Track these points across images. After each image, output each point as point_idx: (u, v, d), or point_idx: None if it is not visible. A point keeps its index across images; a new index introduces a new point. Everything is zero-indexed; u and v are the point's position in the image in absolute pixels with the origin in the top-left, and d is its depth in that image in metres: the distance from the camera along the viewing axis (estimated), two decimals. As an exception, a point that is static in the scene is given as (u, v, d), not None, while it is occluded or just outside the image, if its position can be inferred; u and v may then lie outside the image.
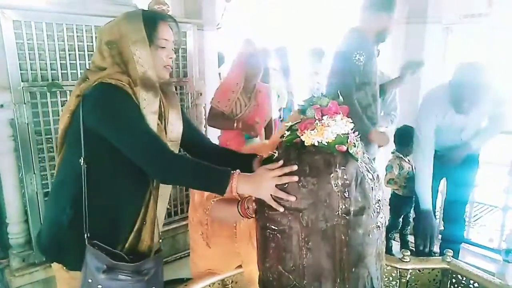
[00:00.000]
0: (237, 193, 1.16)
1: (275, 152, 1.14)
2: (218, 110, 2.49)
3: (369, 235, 1.03)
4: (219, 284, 1.66)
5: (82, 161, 1.16)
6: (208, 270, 1.68)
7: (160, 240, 1.37)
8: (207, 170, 1.14)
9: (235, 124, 2.44)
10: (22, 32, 1.94)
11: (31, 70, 2.00)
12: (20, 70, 1.97)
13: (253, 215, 1.25)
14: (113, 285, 1.15)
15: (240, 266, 1.67)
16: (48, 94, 2.06)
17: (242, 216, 1.32)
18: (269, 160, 1.15)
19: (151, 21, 1.21)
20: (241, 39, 4.39)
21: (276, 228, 1.06)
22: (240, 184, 1.08)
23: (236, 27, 4.33)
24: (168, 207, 2.73)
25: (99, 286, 1.14)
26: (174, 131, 1.32)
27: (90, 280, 1.14)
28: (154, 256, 1.31)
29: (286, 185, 1.03)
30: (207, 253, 1.73)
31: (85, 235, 1.16)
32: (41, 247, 1.31)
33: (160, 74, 1.24)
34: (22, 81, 1.98)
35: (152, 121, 1.19)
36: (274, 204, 1.04)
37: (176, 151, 1.30)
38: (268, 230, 1.07)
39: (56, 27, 2.03)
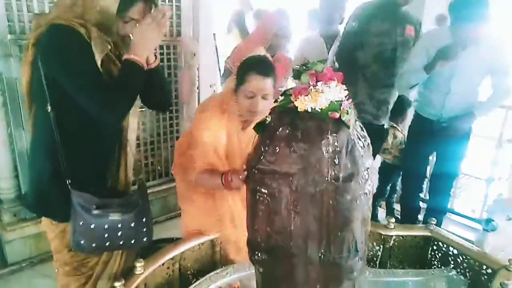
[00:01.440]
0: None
1: (268, 117, 1.13)
2: (232, 71, 2.38)
3: (356, 201, 1.05)
4: (208, 244, 1.71)
5: (49, 108, 1.17)
6: (198, 230, 1.72)
7: (141, 176, 1.46)
8: (123, 78, 1.20)
9: None
10: (7, -20, 1.84)
11: (19, 22, 1.92)
12: (8, 22, 1.89)
13: (236, 187, 1.31)
14: (105, 222, 1.19)
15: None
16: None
17: (225, 188, 1.39)
18: (261, 124, 1.15)
19: None
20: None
21: (266, 191, 1.07)
22: (137, 50, 1.18)
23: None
24: (159, 168, 2.74)
25: (92, 226, 1.18)
26: None
27: (81, 223, 1.17)
28: (139, 190, 1.39)
29: (278, 149, 1.04)
30: (195, 212, 1.77)
31: (67, 181, 1.18)
32: (28, 204, 1.33)
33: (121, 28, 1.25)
34: (9, 34, 1.91)
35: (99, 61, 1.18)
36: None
37: None
38: (258, 193, 1.09)
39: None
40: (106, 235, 1.22)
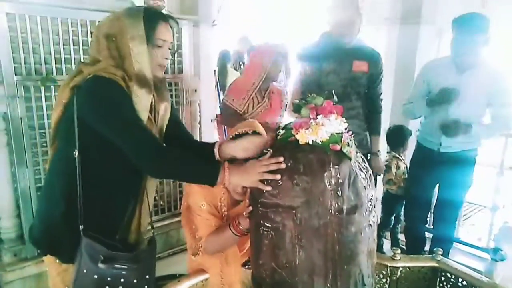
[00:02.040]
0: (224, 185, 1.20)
1: (268, 150, 1.15)
2: (232, 108, 2.39)
3: (361, 233, 1.05)
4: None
5: (76, 153, 1.17)
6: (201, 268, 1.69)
7: (153, 230, 1.41)
8: (197, 163, 1.19)
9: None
10: (16, 25, 1.92)
11: (24, 63, 1.98)
12: (14, 63, 1.95)
13: (247, 231, 1.26)
14: (108, 273, 1.17)
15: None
16: (42, 88, 2.04)
17: (237, 235, 1.30)
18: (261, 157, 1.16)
19: (152, 20, 1.22)
20: (236, 36, 4.38)
21: (269, 225, 1.07)
22: (232, 175, 1.14)
23: (232, 24, 4.32)
24: (161, 203, 2.73)
25: (95, 276, 1.15)
26: (160, 123, 1.36)
27: (85, 271, 1.15)
28: (149, 246, 1.35)
29: (280, 183, 1.05)
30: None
31: (80, 226, 1.17)
32: (34, 239, 1.31)
33: (154, 72, 1.25)
34: (15, 75, 1.97)
35: (144, 117, 1.21)
36: (261, 185, 1.09)
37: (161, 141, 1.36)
38: (262, 227, 1.09)
39: (50, 21, 2.02)
40: (106, 287, 1.19)
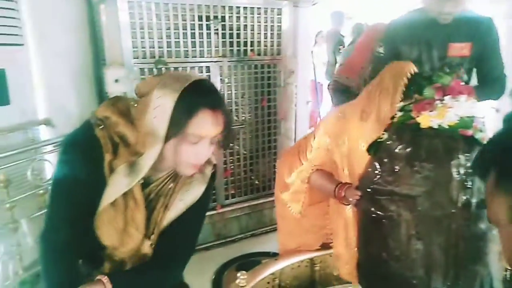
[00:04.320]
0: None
1: (383, 134, 1.07)
2: (343, 86, 2.28)
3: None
4: (307, 262, 1.67)
5: None
6: (296, 248, 1.69)
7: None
8: None
9: None
10: (134, 12, 2.09)
11: (141, 47, 2.16)
12: (132, 47, 2.14)
13: (347, 203, 1.19)
14: None
15: (325, 245, 1.65)
16: (155, 70, 2.21)
17: (336, 198, 1.26)
18: (376, 143, 1.09)
19: (187, 106, 0.81)
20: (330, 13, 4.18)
21: (382, 213, 1.00)
22: None
23: (333, 3, 4.13)
24: (257, 182, 2.80)
25: None
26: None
27: None
28: None
29: (397, 169, 0.97)
30: (294, 230, 1.74)
31: None
32: None
33: (180, 168, 0.89)
34: (133, 58, 2.15)
35: (109, 199, 0.87)
36: None
37: None
38: (373, 215, 1.03)
39: (163, 6, 2.15)
40: None
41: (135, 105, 0.88)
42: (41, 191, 1.86)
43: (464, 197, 0.91)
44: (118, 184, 0.85)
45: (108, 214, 0.88)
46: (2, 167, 1.69)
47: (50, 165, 1.87)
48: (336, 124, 1.32)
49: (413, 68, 1.11)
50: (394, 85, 1.14)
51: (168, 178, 0.96)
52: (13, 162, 1.75)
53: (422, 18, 1.69)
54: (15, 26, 1.90)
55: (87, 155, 0.86)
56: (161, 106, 0.82)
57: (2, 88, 1.88)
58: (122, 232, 0.90)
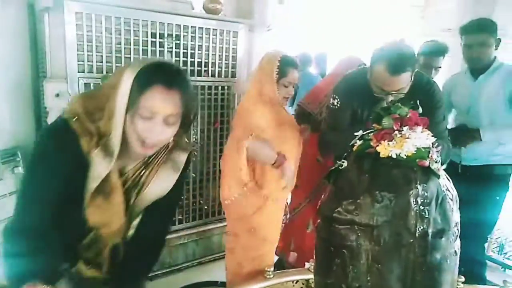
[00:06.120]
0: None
1: (343, 162, 1.07)
2: (306, 111, 2.37)
3: (446, 261, 0.94)
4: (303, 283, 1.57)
5: None
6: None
7: None
8: None
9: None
10: (82, 24, 1.96)
11: (87, 61, 2.03)
12: (78, 61, 2.00)
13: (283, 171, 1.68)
14: None
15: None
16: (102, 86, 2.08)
17: (274, 164, 1.65)
18: (335, 171, 1.08)
19: (142, 81, 0.90)
20: (291, 41, 4.29)
21: (342, 243, 0.98)
22: None
23: (287, 29, 4.26)
24: (206, 207, 2.70)
25: None
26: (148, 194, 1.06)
27: None
28: None
29: (358, 198, 0.96)
30: (249, 243, 1.74)
31: None
32: None
33: (132, 144, 0.95)
34: (78, 72, 2.01)
35: (92, 184, 0.96)
36: None
37: None
38: (333, 245, 1.00)
39: (114, 20, 2.05)
40: None
41: (104, 91, 0.95)
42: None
43: (422, 227, 0.91)
44: (99, 167, 0.93)
45: (94, 198, 0.96)
46: None
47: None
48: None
49: (282, 53, 1.73)
50: (271, 67, 1.72)
51: (142, 166, 1.04)
52: None
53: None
54: None
55: (63, 141, 0.92)
56: (123, 86, 0.89)
57: None
58: (108, 214, 0.99)
